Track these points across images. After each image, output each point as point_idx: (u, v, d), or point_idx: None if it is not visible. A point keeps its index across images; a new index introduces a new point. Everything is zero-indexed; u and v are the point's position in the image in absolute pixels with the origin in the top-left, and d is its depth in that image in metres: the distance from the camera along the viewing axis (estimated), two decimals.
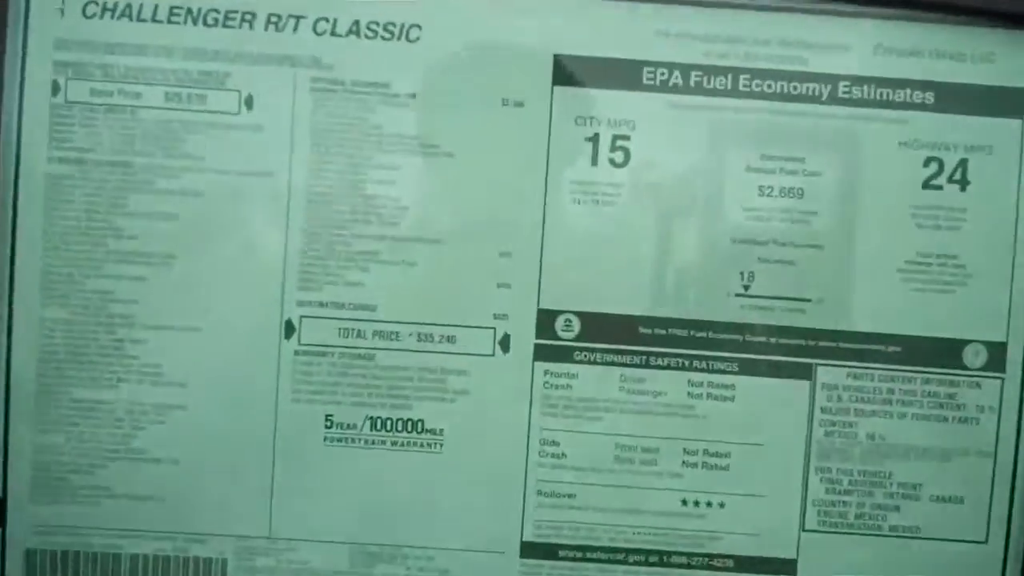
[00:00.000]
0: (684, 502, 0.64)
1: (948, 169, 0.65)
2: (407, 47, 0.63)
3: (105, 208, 0.60)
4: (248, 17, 0.61)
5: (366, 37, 0.63)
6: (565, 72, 0.64)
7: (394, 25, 0.63)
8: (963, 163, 0.65)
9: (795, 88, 0.65)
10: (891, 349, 0.66)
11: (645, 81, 0.64)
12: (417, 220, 0.64)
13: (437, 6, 0.63)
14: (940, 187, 0.65)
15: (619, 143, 0.64)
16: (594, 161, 0.64)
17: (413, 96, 0.63)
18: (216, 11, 0.60)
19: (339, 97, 0.63)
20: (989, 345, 0.66)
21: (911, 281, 0.66)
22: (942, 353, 0.66)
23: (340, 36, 0.63)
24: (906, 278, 0.65)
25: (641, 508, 0.63)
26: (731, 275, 0.66)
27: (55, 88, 0.60)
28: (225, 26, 0.61)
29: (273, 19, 0.61)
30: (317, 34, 0.63)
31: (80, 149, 0.60)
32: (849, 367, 0.66)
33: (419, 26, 0.63)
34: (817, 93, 0.65)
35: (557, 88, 0.64)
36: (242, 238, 0.61)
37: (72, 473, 0.61)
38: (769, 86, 0.65)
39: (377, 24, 0.63)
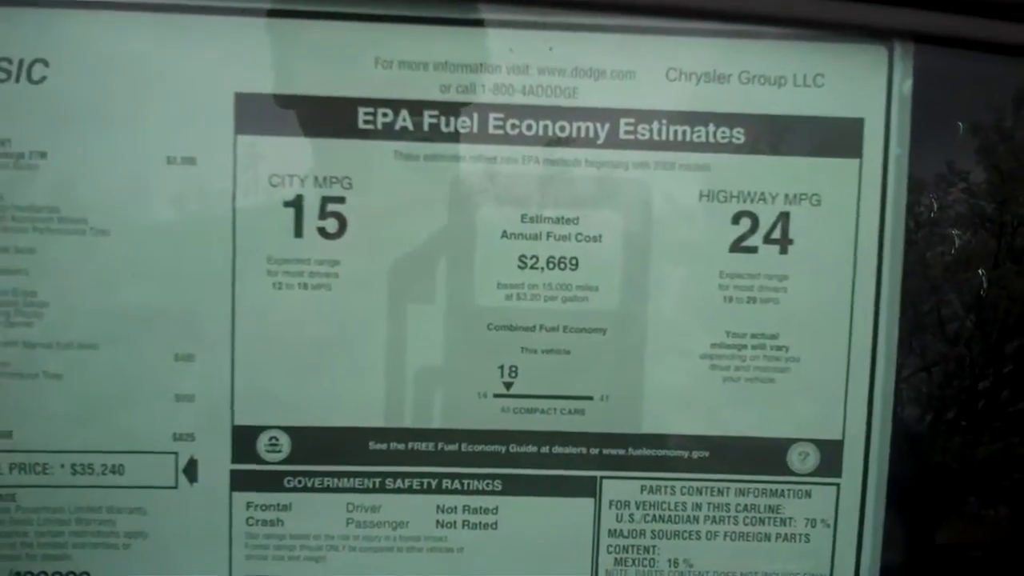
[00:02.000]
0: None
1: (764, 226, 0.52)
2: (30, 91, 0.48)
3: None
4: None
5: None
6: (252, 116, 0.49)
7: (9, 62, 0.48)
8: (783, 218, 0.52)
9: (563, 129, 0.51)
10: (696, 455, 0.54)
11: (362, 125, 0.50)
12: (61, 319, 0.50)
13: (67, 33, 0.47)
14: (754, 249, 0.52)
15: (331, 207, 0.50)
16: (298, 232, 0.50)
17: (43, 155, 0.48)
18: None
19: None
20: (820, 444, 0.54)
21: (719, 369, 0.53)
22: (761, 456, 0.54)
23: None
24: (713, 365, 0.53)
25: None
26: (488, 371, 0.52)
27: None
28: None
29: None
30: None
31: None
32: (643, 479, 0.54)
33: (45, 62, 0.48)
34: (592, 134, 0.51)
35: (241, 138, 0.49)
36: None
37: None
38: (529, 127, 0.51)
39: None
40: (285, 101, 0.49)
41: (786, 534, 0.54)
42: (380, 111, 0.49)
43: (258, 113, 0.49)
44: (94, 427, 0.50)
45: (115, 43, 0.48)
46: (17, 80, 0.47)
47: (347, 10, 0.48)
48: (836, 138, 0.51)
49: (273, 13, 0.48)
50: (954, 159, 0.52)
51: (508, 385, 0.52)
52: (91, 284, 0.49)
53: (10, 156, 0.48)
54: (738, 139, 0.51)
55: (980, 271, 0.53)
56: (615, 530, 0.54)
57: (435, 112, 0.49)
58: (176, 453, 0.51)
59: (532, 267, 0.51)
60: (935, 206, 0.52)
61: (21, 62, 0.47)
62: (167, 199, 0.49)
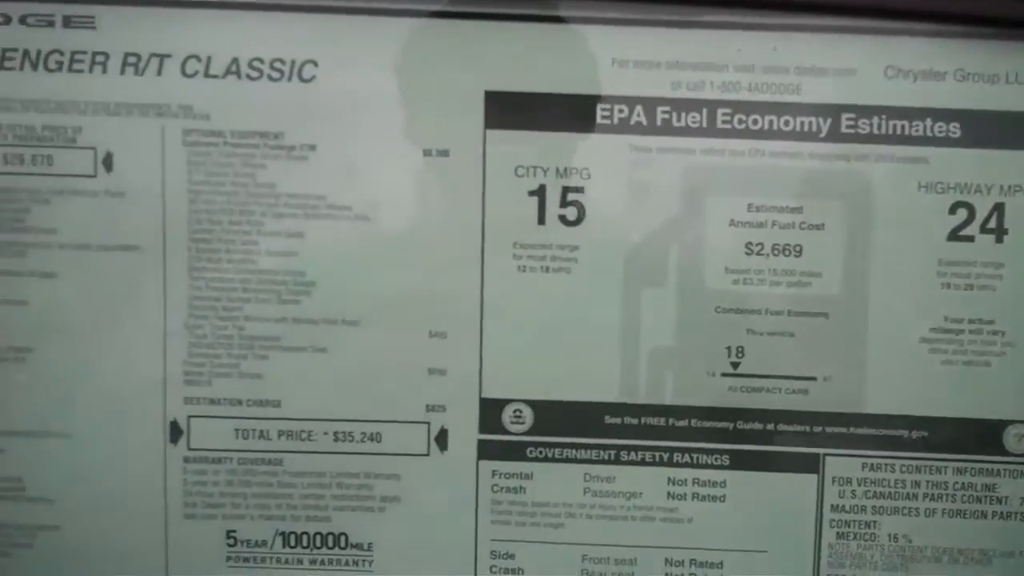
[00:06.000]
0: None
1: (980, 216, 0.54)
2: (301, 89, 0.52)
3: None
4: (100, 59, 0.51)
5: (248, 78, 0.51)
6: (500, 112, 0.53)
7: (282, 62, 0.52)
8: (998, 208, 0.54)
9: (787, 123, 0.53)
10: (915, 434, 0.55)
11: (600, 120, 0.53)
12: (326, 297, 0.54)
13: (335, 37, 0.52)
14: (971, 238, 0.54)
15: (571, 196, 0.53)
16: (541, 219, 0.53)
17: (313, 148, 0.53)
18: (60, 52, 0.50)
19: (219, 152, 0.51)
20: None
21: (938, 352, 0.54)
22: (978, 437, 0.55)
23: (216, 77, 0.51)
24: (932, 349, 0.54)
25: None
26: (716, 351, 0.55)
27: None
28: (72, 70, 0.51)
29: (131, 60, 0.51)
30: (187, 76, 0.51)
31: None
32: (864, 457, 0.55)
33: (315, 62, 0.52)
34: (815, 128, 0.54)
35: (491, 132, 0.53)
36: (109, 325, 0.52)
37: None
38: (755, 121, 0.53)
39: (261, 61, 0.52)
40: (531, 99, 0.52)
41: (1002, 512, 0.55)
42: (616, 107, 0.53)
43: (505, 109, 0.52)
44: (355, 398, 0.54)
45: (379, 46, 0.52)
46: (290, 79, 0.52)
47: (582, 14, 0.52)
48: None
49: (519, 18, 0.52)
50: None
51: (735, 365, 0.54)
52: (354, 266, 0.53)
53: (283, 148, 0.52)
54: (954, 133, 0.53)
55: None
56: (837, 505, 0.55)
57: (667, 108, 0.53)
58: (428, 423, 0.54)
59: (758, 253, 0.53)
60: None
61: (293, 63, 0.52)
62: (423, 188, 0.53)
